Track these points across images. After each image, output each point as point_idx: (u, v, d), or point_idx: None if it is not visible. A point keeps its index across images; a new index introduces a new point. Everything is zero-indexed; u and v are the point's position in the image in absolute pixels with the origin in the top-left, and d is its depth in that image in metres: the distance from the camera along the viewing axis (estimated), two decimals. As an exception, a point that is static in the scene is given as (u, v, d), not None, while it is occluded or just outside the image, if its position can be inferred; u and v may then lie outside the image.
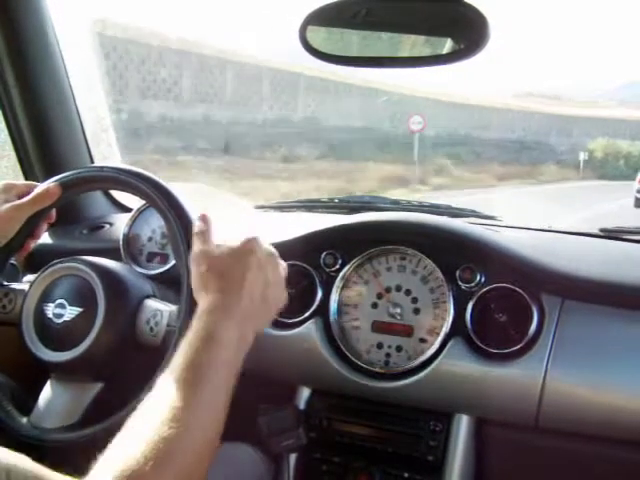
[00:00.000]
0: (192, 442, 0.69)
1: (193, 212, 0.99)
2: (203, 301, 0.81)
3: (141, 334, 1.01)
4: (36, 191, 1.02)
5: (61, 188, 1.02)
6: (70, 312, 1.01)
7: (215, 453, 0.73)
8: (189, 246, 0.91)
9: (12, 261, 1.15)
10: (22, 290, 1.09)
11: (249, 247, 0.86)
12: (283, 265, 0.93)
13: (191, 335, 0.77)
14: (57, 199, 1.03)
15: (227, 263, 0.84)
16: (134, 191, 1.03)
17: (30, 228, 1.06)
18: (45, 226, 1.11)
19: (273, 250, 0.90)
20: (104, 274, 1.03)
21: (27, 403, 1.07)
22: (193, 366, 0.73)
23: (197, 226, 0.89)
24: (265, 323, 0.88)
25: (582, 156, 16.04)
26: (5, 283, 1.12)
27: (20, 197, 1.03)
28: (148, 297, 1.04)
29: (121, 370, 1.06)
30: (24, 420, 1.05)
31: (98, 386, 1.05)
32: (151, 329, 1.00)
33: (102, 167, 1.05)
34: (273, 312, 0.90)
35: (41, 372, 1.06)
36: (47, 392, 1.06)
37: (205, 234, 0.88)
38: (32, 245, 1.10)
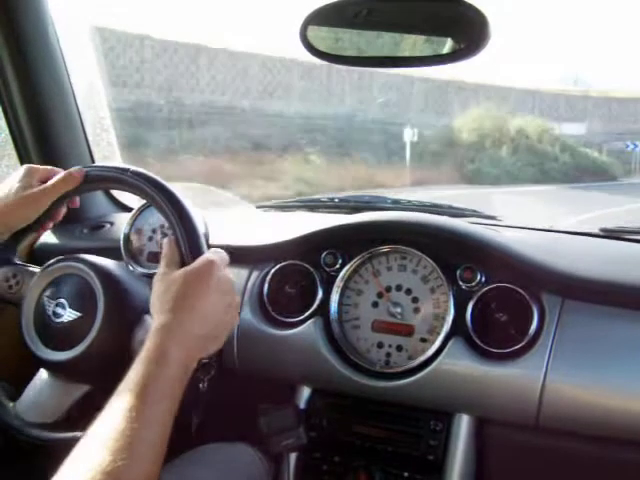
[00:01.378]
0: (139, 471, 0.71)
1: (199, 221, 0.98)
2: (156, 320, 0.83)
3: (134, 350, 0.99)
4: (59, 176, 1.02)
5: (83, 173, 1.02)
6: (69, 315, 1.01)
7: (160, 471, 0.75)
8: (191, 249, 0.91)
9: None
10: (31, 272, 1.09)
11: (207, 270, 0.87)
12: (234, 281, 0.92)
13: (143, 354, 0.79)
14: (79, 185, 1.03)
15: (184, 284, 0.85)
16: (135, 191, 1.02)
17: (51, 211, 1.05)
18: (65, 209, 1.11)
19: (230, 275, 0.90)
20: (107, 280, 1.02)
21: (17, 388, 1.08)
22: (141, 391, 0.75)
23: (164, 249, 0.92)
24: (212, 348, 0.87)
25: (408, 136, 7.95)
26: (17, 262, 1.12)
27: (42, 181, 1.03)
28: (148, 313, 1.03)
29: (110, 378, 1.06)
30: (10, 405, 1.06)
31: (85, 388, 1.06)
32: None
33: (126, 169, 1.01)
34: (223, 337, 0.89)
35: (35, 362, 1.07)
36: (36, 383, 1.07)
37: (169, 257, 0.90)
38: (51, 226, 1.11)
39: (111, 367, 0.98)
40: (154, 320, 0.83)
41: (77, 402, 1.06)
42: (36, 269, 1.09)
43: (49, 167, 1.06)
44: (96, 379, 1.05)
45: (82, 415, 1.11)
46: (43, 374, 1.07)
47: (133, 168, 1.00)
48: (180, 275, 0.86)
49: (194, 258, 0.89)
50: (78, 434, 0.98)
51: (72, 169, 1.02)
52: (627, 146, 14.09)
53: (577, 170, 11.27)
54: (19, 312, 1.05)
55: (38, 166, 1.05)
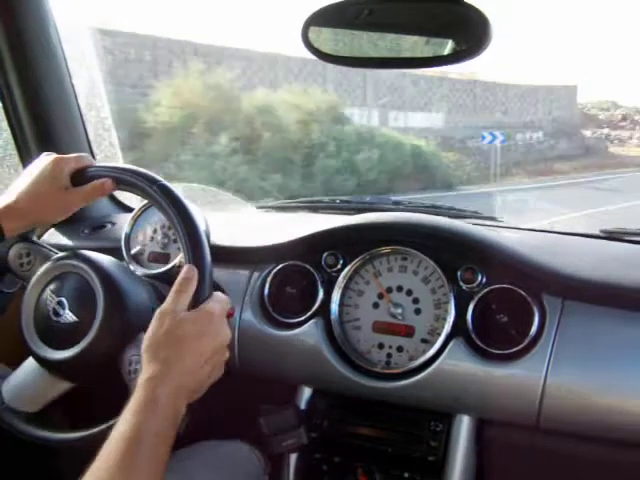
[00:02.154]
0: None
1: (201, 222, 0.98)
2: (149, 366, 0.82)
3: (122, 366, 1.00)
4: (93, 184, 1.01)
5: (115, 184, 1.01)
6: (67, 317, 1.01)
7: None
8: (193, 253, 0.91)
9: None
10: (44, 255, 1.10)
11: (206, 324, 0.86)
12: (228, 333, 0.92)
13: (133, 405, 0.79)
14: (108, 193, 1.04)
15: (181, 332, 0.84)
16: (157, 206, 1.01)
17: None
18: None
19: (226, 329, 0.89)
20: (108, 286, 1.01)
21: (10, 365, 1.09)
22: (134, 443, 0.75)
23: (178, 281, 0.89)
24: (195, 397, 0.86)
25: None
26: (35, 240, 1.13)
27: (73, 178, 1.01)
28: (144, 329, 1.02)
29: (95, 383, 1.07)
30: None
31: (69, 385, 1.06)
32: (129, 372, 0.98)
33: (154, 182, 1.00)
34: (204, 389, 0.88)
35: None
36: (24, 368, 1.08)
37: (181, 293, 0.88)
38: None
39: (99, 373, 0.99)
40: (145, 366, 0.83)
41: (57, 399, 1.07)
42: (50, 252, 1.09)
43: (77, 156, 1.04)
44: (82, 381, 1.06)
45: (62, 412, 1.12)
46: (33, 362, 1.07)
47: (161, 182, 0.98)
48: (181, 322, 0.85)
49: (196, 303, 0.88)
50: (49, 435, 1.00)
51: (106, 181, 1.01)
52: (483, 138, 10.74)
53: (389, 176, 7.38)
54: (19, 321, 1.06)
55: (66, 157, 1.03)
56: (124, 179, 1.01)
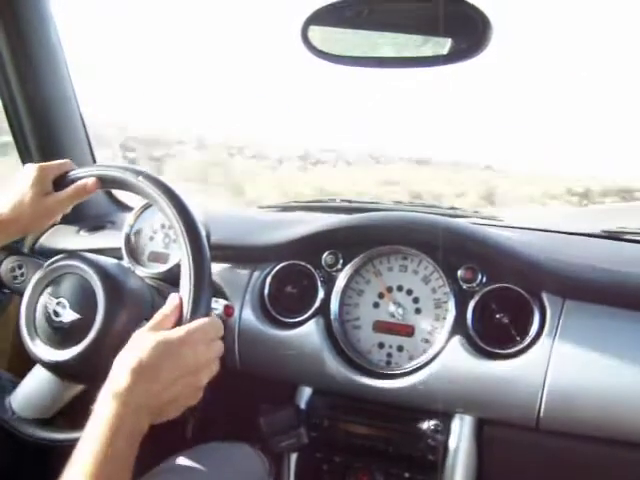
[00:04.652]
0: None
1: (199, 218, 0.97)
2: (114, 380, 0.80)
3: None
4: (75, 185, 1.02)
5: (99, 183, 1.01)
6: (69, 315, 1.01)
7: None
8: (192, 248, 0.90)
9: None
10: (36, 265, 1.10)
11: (184, 345, 0.82)
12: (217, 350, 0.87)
13: (97, 420, 0.77)
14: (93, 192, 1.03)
15: (156, 351, 0.81)
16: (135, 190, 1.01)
17: None
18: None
19: (209, 353, 0.85)
20: (108, 283, 1.01)
21: (13, 380, 1.09)
22: (99, 457, 0.74)
23: (166, 304, 0.88)
24: (164, 417, 0.82)
25: None
26: (25, 252, 1.13)
27: (56, 183, 1.02)
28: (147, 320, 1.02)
29: (102, 382, 1.07)
30: (6, 399, 1.07)
31: (80, 387, 1.06)
32: None
33: (140, 172, 0.99)
34: (173, 413, 0.83)
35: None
36: (32, 377, 1.07)
37: (164, 317, 0.86)
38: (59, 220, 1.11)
39: (104, 371, 0.99)
40: (110, 378, 0.80)
41: (69, 403, 1.06)
42: (42, 262, 1.09)
43: (59, 163, 1.05)
44: (88, 380, 1.05)
45: (77, 414, 1.12)
46: (39, 369, 1.07)
47: (146, 172, 0.97)
48: (157, 340, 0.81)
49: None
50: (71, 435, 1.00)
51: (88, 181, 1.01)
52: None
53: None
54: (18, 321, 1.06)
55: (48, 164, 1.03)
56: (107, 175, 1.00)
